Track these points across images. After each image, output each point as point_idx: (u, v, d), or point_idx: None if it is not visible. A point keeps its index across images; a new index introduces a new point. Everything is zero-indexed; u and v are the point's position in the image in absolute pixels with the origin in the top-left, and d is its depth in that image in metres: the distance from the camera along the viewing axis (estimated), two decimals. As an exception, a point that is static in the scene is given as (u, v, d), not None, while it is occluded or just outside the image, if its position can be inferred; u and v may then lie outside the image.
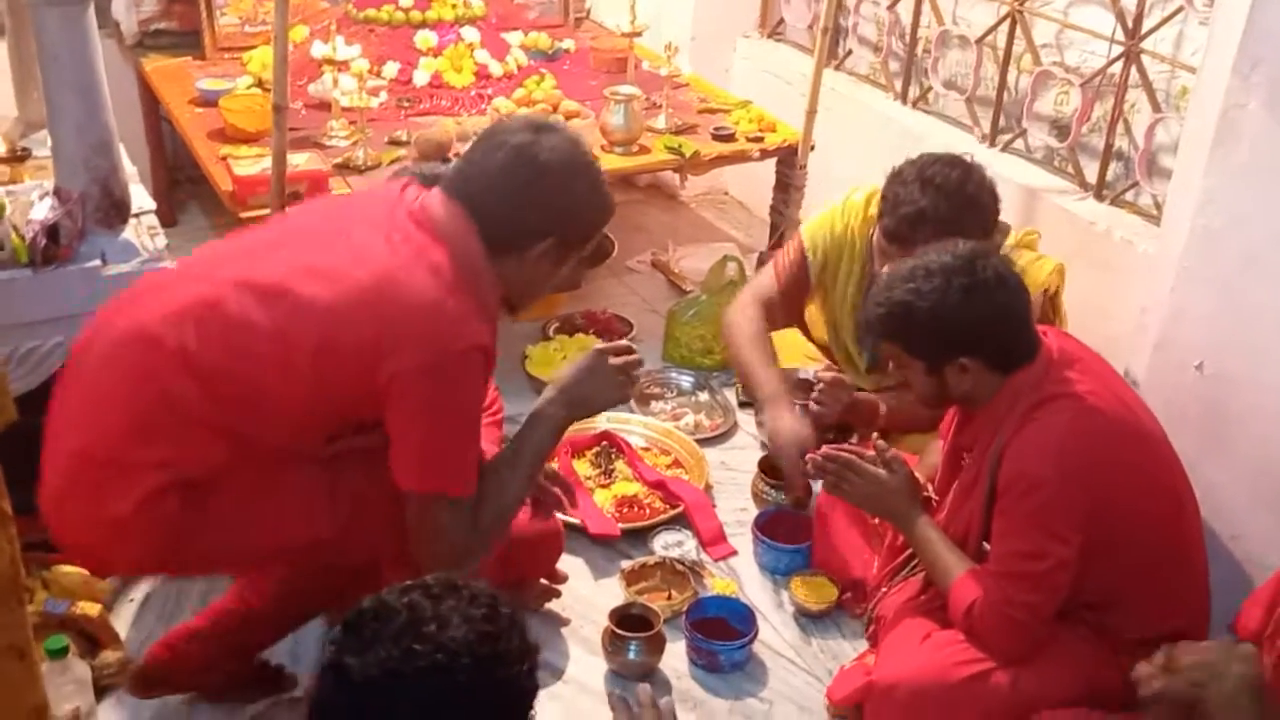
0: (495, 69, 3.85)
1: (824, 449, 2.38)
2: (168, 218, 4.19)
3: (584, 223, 2.03)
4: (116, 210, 2.51)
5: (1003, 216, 2.65)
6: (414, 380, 1.85)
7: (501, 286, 1.99)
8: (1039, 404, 2.08)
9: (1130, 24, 3.08)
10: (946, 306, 2.06)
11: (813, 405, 2.66)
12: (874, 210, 2.71)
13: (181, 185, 4.25)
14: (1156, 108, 3.05)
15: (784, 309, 2.96)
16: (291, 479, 1.97)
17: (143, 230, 2.62)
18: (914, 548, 2.31)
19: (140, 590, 2.55)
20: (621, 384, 2.12)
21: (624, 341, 2.23)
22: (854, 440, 2.77)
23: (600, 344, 2.23)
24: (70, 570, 2.43)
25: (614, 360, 2.10)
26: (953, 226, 2.38)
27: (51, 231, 2.38)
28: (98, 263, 2.46)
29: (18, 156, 2.80)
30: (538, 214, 1.95)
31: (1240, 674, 1.65)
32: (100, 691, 2.22)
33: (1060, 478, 2.03)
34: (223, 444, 1.88)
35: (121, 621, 2.45)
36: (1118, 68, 3.13)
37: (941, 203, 2.47)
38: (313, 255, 1.91)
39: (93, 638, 2.30)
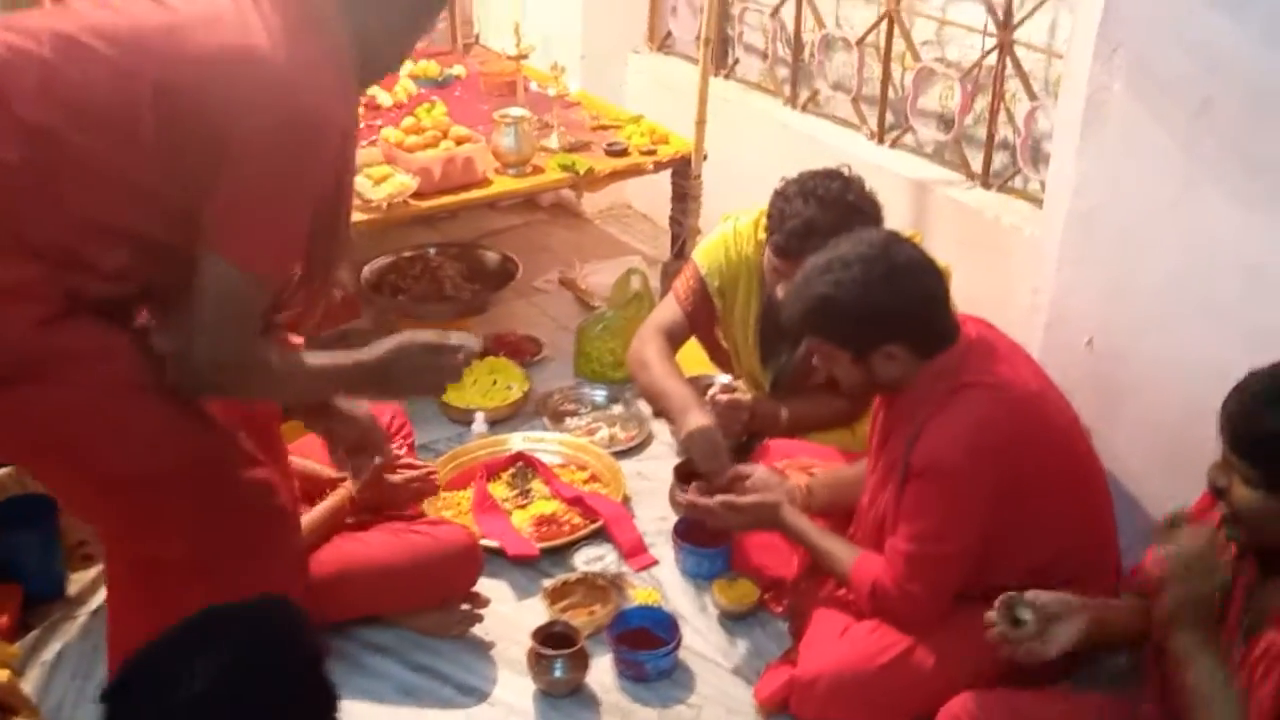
0: (384, 99, 3.84)
1: (688, 497, 2.50)
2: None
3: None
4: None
5: (896, 210, 2.72)
6: (253, 141, 1.72)
7: (364, 41, 1.86)
8: (955, 390, 2.12)
9: (1001, 16, 3.16)
10: (869, 294, 2.09)
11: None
12: (762, 234, 2.74)
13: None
14: (1033, 96, 3.13)
15: (690, 334, 2.98)
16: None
17: None
18: (800, 543, 2.39)
19: (51, 650, 2.49)
20: (429, 384, 2.10)
21: (458, 339, 2.05)
22: (757, 445, 2.82)
23: (433, 334, 2.05)
24: (-16, 641, 2.38)
25: (435, 359, 2.00)
26: (839, 234, 2.42)
27: None
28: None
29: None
30: None
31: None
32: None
33: (971, 464, 2.08)
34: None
35: (33, 685, 2.39)
36: (994, 59, 3.21)
37: (826, 212, 2.52)
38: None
39: (4, 706, 2.24)
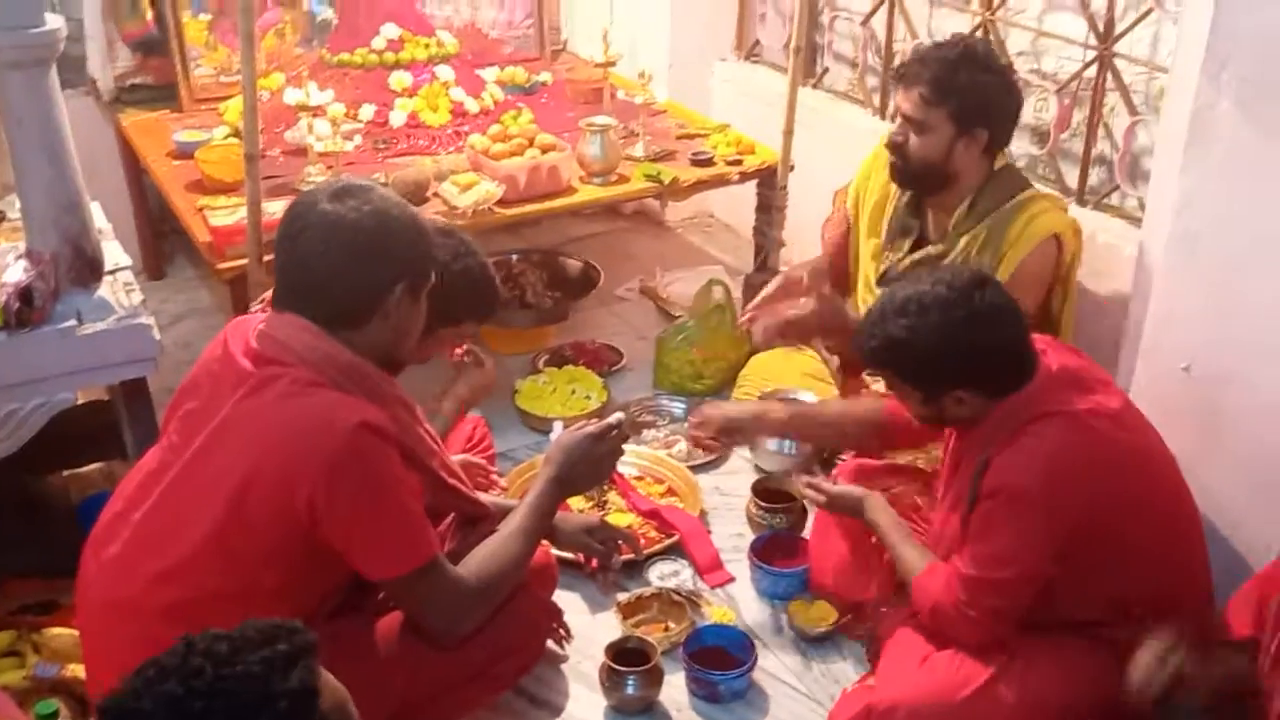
0: (471, 106, 3.85)
1: (804, 479, 2.56)
2: (155, 271, 4.20)
3: (422, 254, 2.01)
4: (90, 269, 2.50)
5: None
6: (325, 490, 1.85)
7: (376, 351, 1.99)
8: (1031, 420, 2.06)
9: (1102, 28, 3.07)
10: (944, 343, 2.05)
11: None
12: None
13: (168, 238, 4.24)
14: (1133, 110, 3.04)
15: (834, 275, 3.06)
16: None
17: (119, 287, 2.61)
18: (877, 536, 2.38)
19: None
20: (609, 468, 2.34)
21: (613, 419, 2.30)
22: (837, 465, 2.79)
23: (590, 425, 2.29)
24: (61, 633, 2.42)
25: (602, 446, 2.25)
26: (953, 69, 2.58)
27: (25, 294, 2.37)
28: (73, 322, 2.45)
29: (-8, 219, 2.80)
30: (377, 272, 1.94)
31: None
32: (92, 755, 2.20)
33: (1044, 493, 2.02)
34: None
35: (114, 682, 2.42)
36: (1093, 72, 3.12)
37: (941, 48, 2.65)
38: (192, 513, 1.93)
39: (85, 701, 2.27)
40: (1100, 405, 2.09)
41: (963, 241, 2.70)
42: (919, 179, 2.73)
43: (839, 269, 3.06)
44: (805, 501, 2.69)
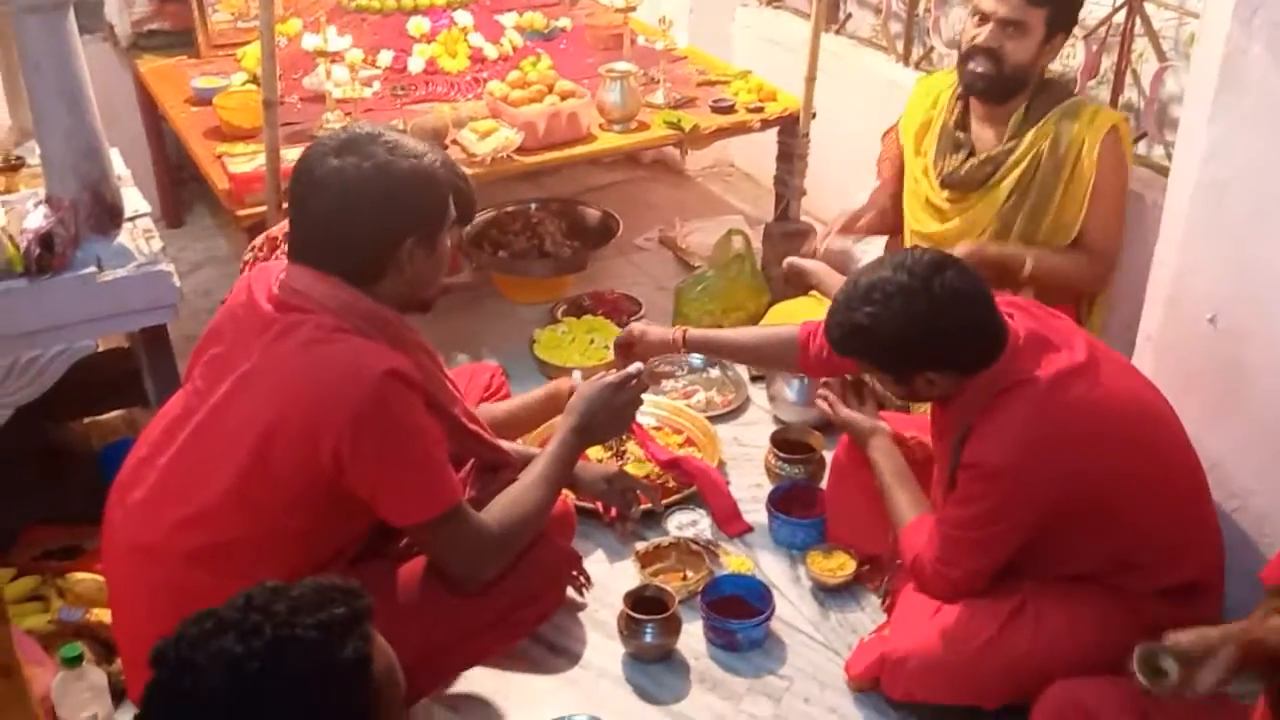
0: (490, 52, 3.81)
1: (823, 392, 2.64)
2: (174, 219, 4.21)
3: (430, 206, 1.99)
4: (109, 215, 2.50)
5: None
6: (350, 440, 1.86)
7: (395, 300, 1.99)
8: (1001, 391, 2.08)
9: (1132, -29, 3.01)
10: (908, 329, 2.06)
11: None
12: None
13: (186, 185, 4.24)
14: (1162, 57, 2.98)
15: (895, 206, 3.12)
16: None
17: (138, 234, 2.60)
18: (874, 475, 2.43)
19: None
20: (629, 417, 2.36)
21: (632, 368, 2.33)
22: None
23: (610, 375, 2.33)
24: (85, 578, 2.45)
25: (622, 395, 2.28)
26: None
27: (45, 240, 2.37)
28: (93, 269, 2.45)
29: (12, 165, 2.79)
30: (384, 228, 1.93)
31: None
32: (117, 697, 2.22)
33: (1017, 469, 2.06)
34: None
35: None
36: (1122, 17, 3.06)
37: None
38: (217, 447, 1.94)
39: (109, 644, 2.30)
40: (1069, 363, 2.10)
41: (1029, 137, 2.79)
42: (1007, 84, 2.79)
43: (897, 200, 3.10)
44: (822, 453, 2.70)
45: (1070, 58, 3.27)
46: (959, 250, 2.70)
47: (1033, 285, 2.75)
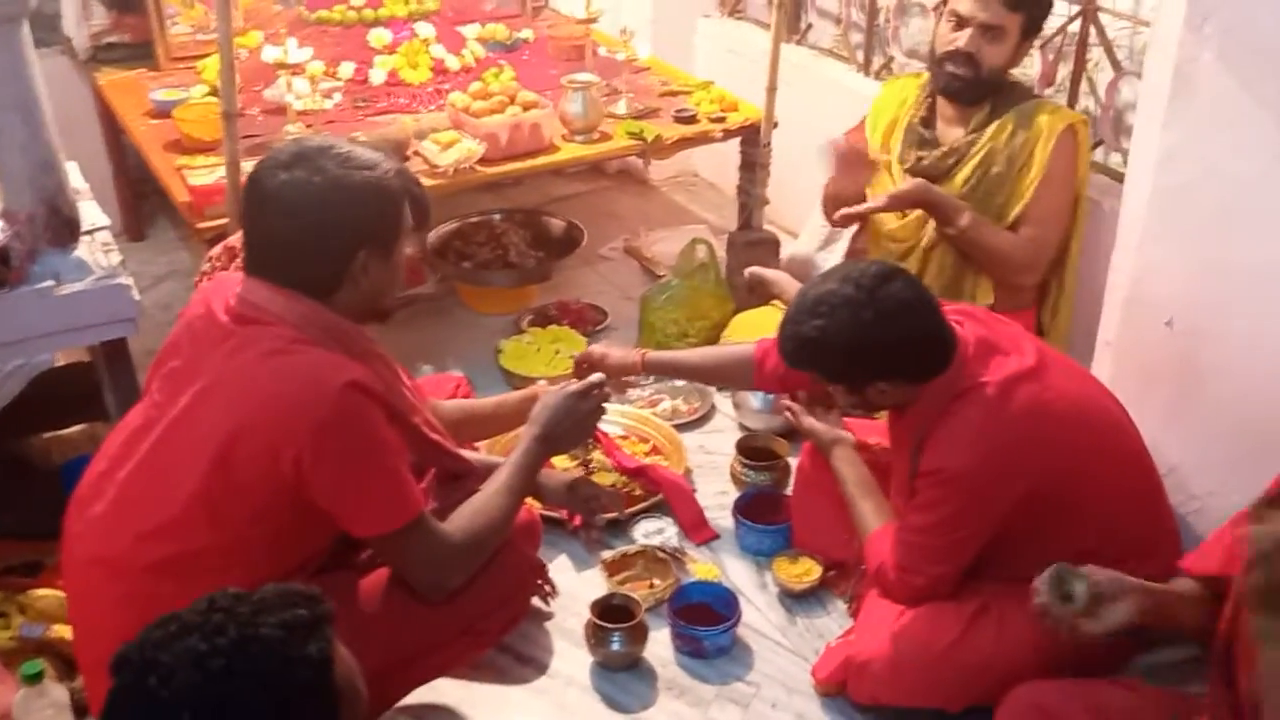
0: (452, 63, 3.82)
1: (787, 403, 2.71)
2: (136, 232, 4.17)
3: (383, 217, 1.98)
4: (67, 229, 2.48)
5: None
6: (311, 452, 1.85)
7: (353, 310, 1.99)
8: (953, 399, 2.12)
9: (1086, -19, 3.05)
10: (855, 340, 2.09)
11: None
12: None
13: (149, 199, 4.20)
14: (1116, 66, 3.02)
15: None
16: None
17: (96, 247, 2.58)
18: (839, 484, 2.46)
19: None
20: (592, 425, 2.36)
21: (594, 377, 2.37)
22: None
23: (571, 384, 2.35)
24: (46, 594, 2.42)
25: (585, 404, 2.29)
26: None
27: (2, 254, 2.34)
28: (51, 283, 2.43)
29: (-32, 179, 2.76)
30: (337, 242, 1.93)
31: None
32: (79, 713, 2.20)
33: (973, 476, 2.10)
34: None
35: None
36: (1077, 26, 3.10)
37: None
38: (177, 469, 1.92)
39: (70, 660, 2.28)
40: (1019, 367, 2.14)
41: (989, 131, 2.86)
42: (982, 87, 2.85)
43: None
44: (788, 459, 2.72)
45: (1028, 66, 3.31)
46: (907, 183, 2.83)
47: (964, 239, 2.83)
